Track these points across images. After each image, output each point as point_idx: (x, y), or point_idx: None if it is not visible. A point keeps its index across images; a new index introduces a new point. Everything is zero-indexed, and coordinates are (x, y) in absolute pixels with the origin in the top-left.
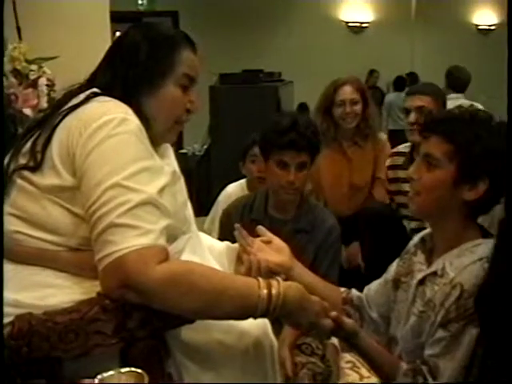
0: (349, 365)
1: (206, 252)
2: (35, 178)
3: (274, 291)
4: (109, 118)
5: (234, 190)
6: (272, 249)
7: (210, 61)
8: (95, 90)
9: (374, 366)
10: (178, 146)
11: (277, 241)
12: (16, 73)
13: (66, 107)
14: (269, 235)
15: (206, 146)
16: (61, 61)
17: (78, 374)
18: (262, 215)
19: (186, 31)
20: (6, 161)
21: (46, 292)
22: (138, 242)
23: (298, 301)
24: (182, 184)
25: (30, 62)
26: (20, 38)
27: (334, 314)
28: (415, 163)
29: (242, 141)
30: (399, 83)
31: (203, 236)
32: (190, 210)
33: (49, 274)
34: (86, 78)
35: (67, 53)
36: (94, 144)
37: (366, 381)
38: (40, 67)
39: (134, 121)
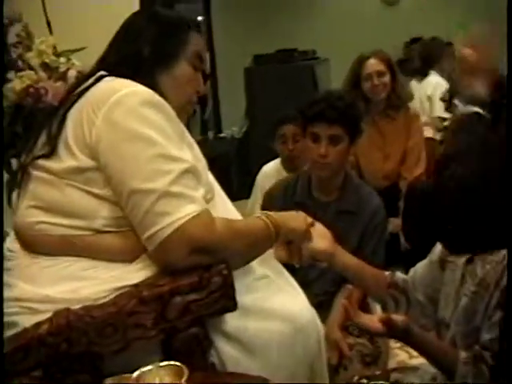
0: (398, 344)
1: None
2: (51, 163)
3: (272, 219)
4: (122, 93)
5: (271, 169)
6: (314, 235)
7: (242, 43)
8: (103, 72)
9: (431, 359)
10: (216, 130)
11: (319, 226)
12: (45, 66)
13: (76, 92)
14: (310, 220)
15: (244, 129)
16: (90, 51)
17: (120, 368)
18: (305, 197)
19: (218, 15)
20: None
21: (77, 285)
22: (192, 209)
23: (284, 216)
24: (198, 150)
25: (58, 55)
26: (51, 32)
27: (383, 316)
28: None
29: None
30: None
31: None
32: (211, 176)
33: (76, 267)
34: (95, 63)
35: (96, 43)
36: (115, 121)
37: (415, 360)
38: (68, 59)
39: (146, 90)
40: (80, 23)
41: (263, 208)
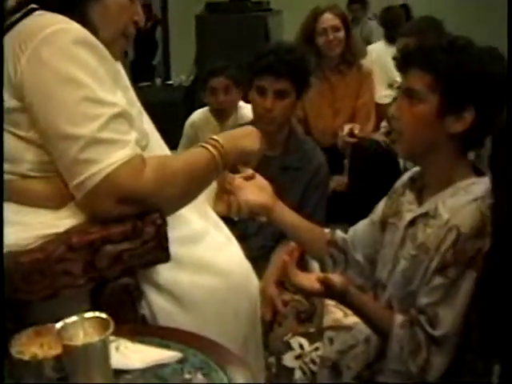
0: (334, 302)
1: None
2: None
3: (219, 147)
4: (51, 30)
5: (200, 117)
6: (253, 187)
7: None
8: (33, 5)
9: (367, 321)
10: (165, 77)
11: (259, 179)
12: None
13: (4, 26)
14: (250, 172)
15: (192, 77)
16: None
17: (47, 317)
18: None
19: None
20: None
21: (4, 230)
22: (123, 154)
23: (234, 137)
24: (133, 94)
25: None
26: None
27: (321, 275)
28: (397, 101)
29: None
30: None
31: None
32: (147, 123)
33: (5, 212)
34: None
35: None
36: (43, 60)
37: (350, 318)
38: None
39: (77, 28)
40: None
41: None
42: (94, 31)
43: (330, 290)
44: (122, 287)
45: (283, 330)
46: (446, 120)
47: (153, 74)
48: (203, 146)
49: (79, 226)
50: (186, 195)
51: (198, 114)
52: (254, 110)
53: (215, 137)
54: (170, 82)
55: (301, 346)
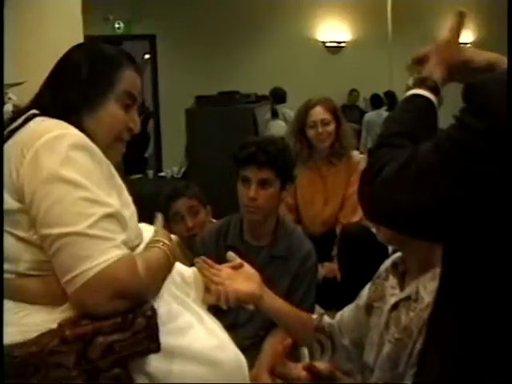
0: None
1: None
2: None
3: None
4: (51, 135)
5: None
6: (241, 277)
7: (186, 83)
8: (34, 111)
9: None
10: (157, 169)
11: (247, 268)
12: None
13: (6, 132)
14: (238, 261)
15: (183, 169)
16: (30, 86)
17: None
18: (237, 241)
19: (164, 54)
20: None
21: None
22: (115, 253)
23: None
24: (126, 195)
25: None
26: None
27: (306, 363)
28: None
29: (219, 163)
30: (376, 101)
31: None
32: (138, 223)
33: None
34: (30, 100)
35: (35, 78)
36: (42, 164)
37: None
38: (5, 93)
39: (75, 133)
40: (19, 57)
41: (197, 254)
42: (90, 137)
43: (316, 377)
44: (114, 378)
45: None
46: None
47: (145, 166)
48: (156, 247)
49: (70, 319)
50: (160, 287)
51: None
52: (240, 200)
53: (159, 238)
54: (162, 174)
55: None
